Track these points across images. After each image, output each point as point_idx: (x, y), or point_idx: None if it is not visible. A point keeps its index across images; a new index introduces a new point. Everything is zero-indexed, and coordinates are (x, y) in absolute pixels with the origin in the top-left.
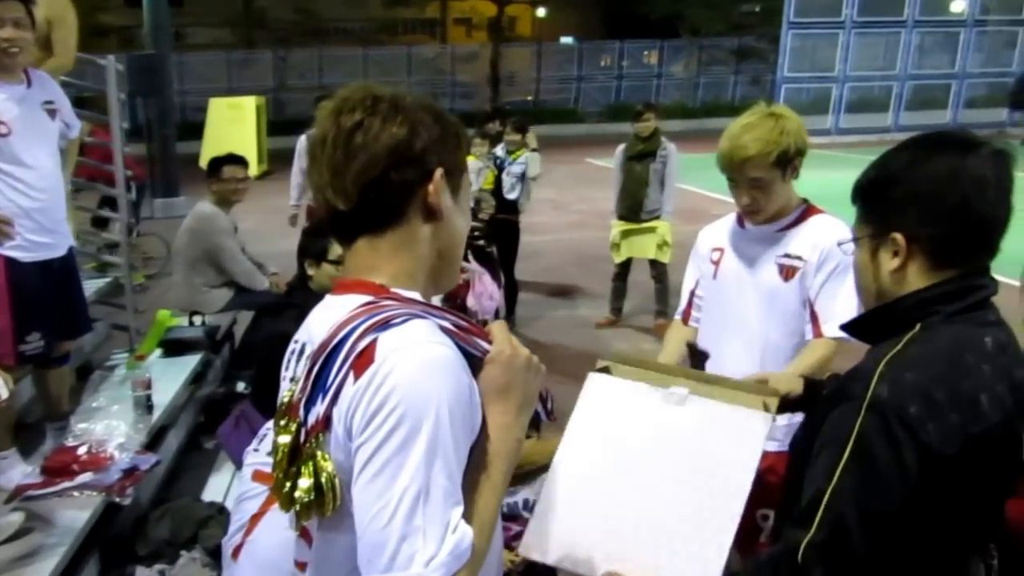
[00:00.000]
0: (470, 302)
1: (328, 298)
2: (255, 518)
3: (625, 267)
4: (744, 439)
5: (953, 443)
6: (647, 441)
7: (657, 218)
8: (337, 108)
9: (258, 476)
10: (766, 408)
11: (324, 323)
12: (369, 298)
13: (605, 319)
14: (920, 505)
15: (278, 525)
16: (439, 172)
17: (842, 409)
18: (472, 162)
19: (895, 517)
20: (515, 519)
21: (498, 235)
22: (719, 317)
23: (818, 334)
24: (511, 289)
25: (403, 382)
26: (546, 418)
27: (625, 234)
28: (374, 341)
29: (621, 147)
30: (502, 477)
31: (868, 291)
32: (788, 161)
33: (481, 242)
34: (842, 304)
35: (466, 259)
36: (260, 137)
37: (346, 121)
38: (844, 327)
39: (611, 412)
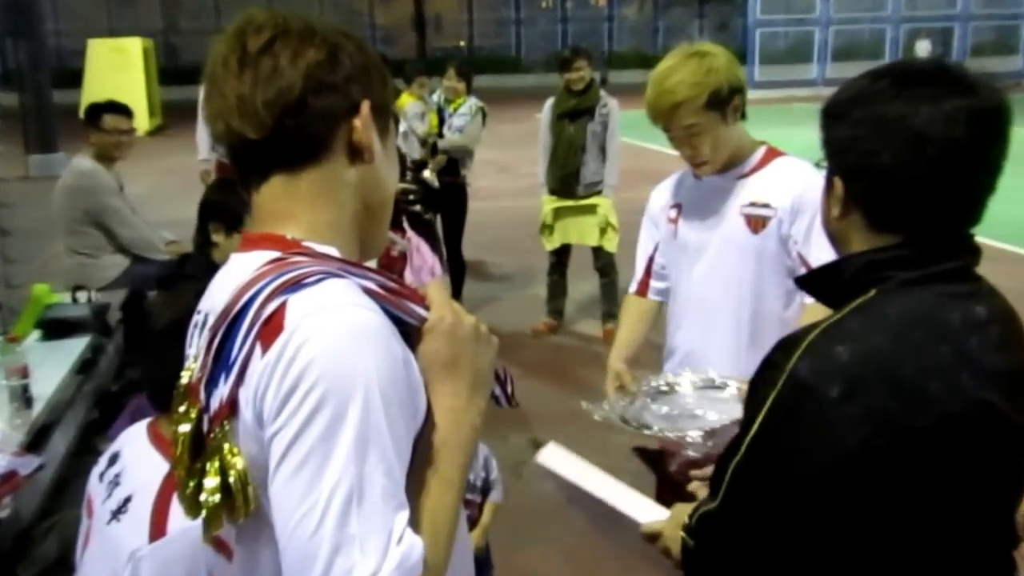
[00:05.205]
0: (408, 278)
1: (233, 256)
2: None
3: (563, 257)
4: None
5: (885, 435)
6: None
7: (598, 193)
8: (240, 28)
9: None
10: None
11: (227, 287)
12: (276, 254)
13: (543, 324)
14: (840, 505)
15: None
16: (366, 105)
17: (761, 379)
18: (414, 104)
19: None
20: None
21: (441, 201)
22: (690, 282)
23: None
24: (457, 266)
25: (321, 354)
26: (507, 403)
27: (559, 214)
28: (283, 305)
29: (549, 102)
30: (458, 472)
31: (827, 230)
32: (723, 102)
33: (418, 207)
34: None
35: (402, 228)
36: (150, 86)
37: (253, 41)
38: (797, 281)
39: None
